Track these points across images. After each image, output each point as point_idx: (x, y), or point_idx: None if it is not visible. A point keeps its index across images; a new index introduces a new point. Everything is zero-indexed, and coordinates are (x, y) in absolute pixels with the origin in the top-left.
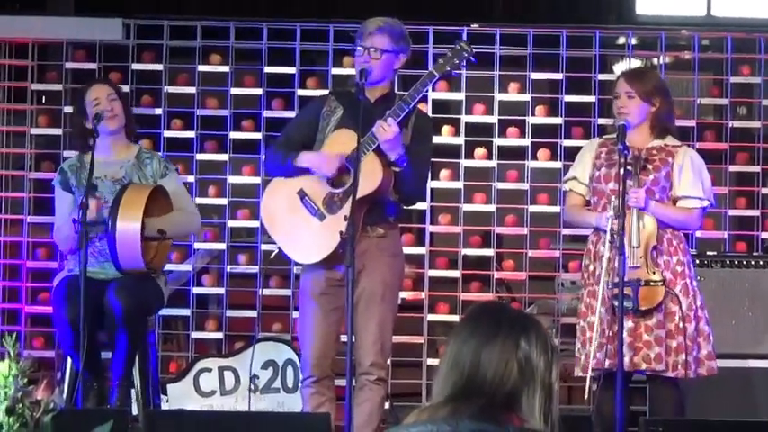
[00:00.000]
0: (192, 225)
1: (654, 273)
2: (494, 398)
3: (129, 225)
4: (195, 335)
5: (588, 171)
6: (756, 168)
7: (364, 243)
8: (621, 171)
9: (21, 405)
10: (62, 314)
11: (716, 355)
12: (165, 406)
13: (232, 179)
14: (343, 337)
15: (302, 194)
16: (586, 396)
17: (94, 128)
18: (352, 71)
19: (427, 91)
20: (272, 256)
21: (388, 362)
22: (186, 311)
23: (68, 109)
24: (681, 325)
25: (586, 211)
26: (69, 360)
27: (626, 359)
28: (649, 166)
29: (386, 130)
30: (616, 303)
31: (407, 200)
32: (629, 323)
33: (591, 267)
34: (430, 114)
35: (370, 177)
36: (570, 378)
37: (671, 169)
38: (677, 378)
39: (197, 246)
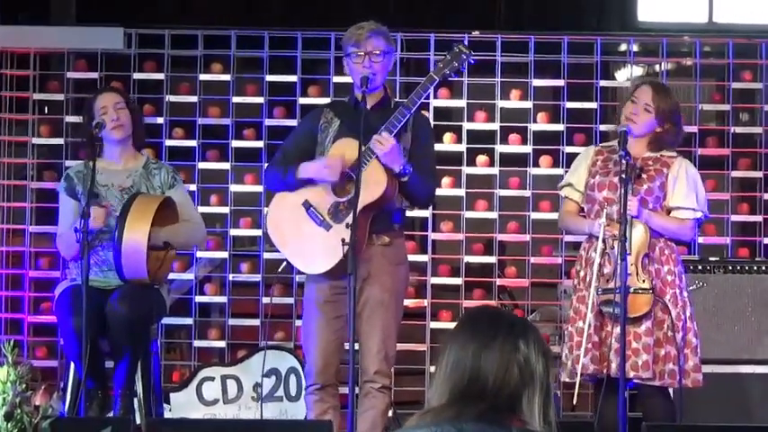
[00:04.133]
0: (197, 236)
1: (643, 281)
2: (496, 400)
3: (135, 236)
4: (198, 343)
5: (584, 178)
6: (759, 174)
7: (369, 251)
8: (621, 177)
9: (19, 411)
10: (68, 325)
11: (717, 361)
12: (167, 415)
13: (234, 188)
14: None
15: (307, 205)
16: (575, 401)
17: (96, 136)
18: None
19: (428, 95)
20: (279, 270)
21: (392, 369)
22: (189, 320)
23: (70, 118)
24: (669, 334)
25: (580, 218)
26: (72, 369)
27: (614, 365)
28: (644, 176)
29: (382, 144)
30: (603, 309)
31: (422, 203)
32: (617, 330)
33: (582, 273)
34: (432, 122)
35: (375, 185)
36: (570, 384)
37: (665, 179)
38: (665, 387)
39: (199, 254)
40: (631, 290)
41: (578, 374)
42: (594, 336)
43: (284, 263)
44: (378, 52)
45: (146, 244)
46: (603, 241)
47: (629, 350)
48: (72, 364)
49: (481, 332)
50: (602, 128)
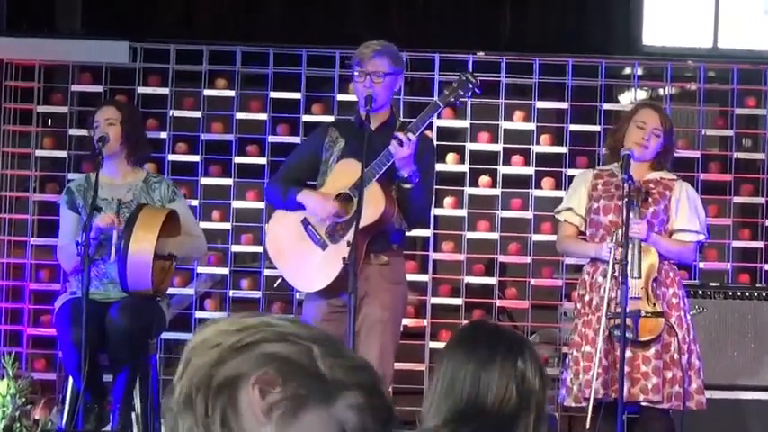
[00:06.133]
0: (199, 250)
1: (654, 305)
2: (493, 421)
3: (142, 247)
4: None
5: (584, 202)
6: (761, 200)
7: (367, 270)
8: (624, 201)
9: (18, 424)
10: (68, 337)
11: (716, 386)
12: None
13: (236, 204)
14: None
15: (306, 223)
16: (588, 425)
17: (98, 149)
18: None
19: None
20: (275, 285)
21: (390, 389)
22: (188, 336)
23: (74, 131)
24: (676, 356)
25: (584, 242)
26: (70, 382)
27: (624, 389)
28: (649, 199)
29: (403, 146)
30: (615, 333)
31: (415, 221)
32: (627, 353)
33: (586, 297)
34: (435, 141)
35: (373, 207)
36: (570, 407)
37: (668, 203)
38: (670, 410)
39: (200, 270)
40: (642, 314)
41: (591, 399)
42: (604, 360)
43: (279, 279)
44: (379, 73)
45: (152, 255)
46: (614, 265)
47: (639, 374)
48: (70, 377)
49: (480, 351)
50: (605, 151)
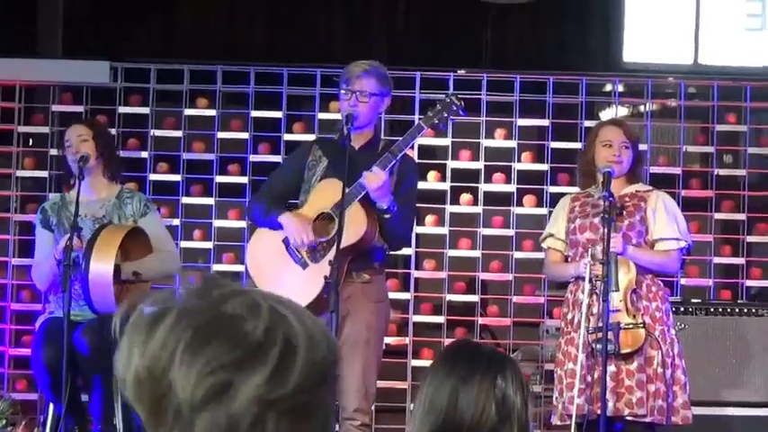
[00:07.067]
0: (170, 266)
1: (634, 316)
2: None
3: (101, 266)
4: None
5: (563, 226)
6: (742, 216)
7: (349, 288)
8: (604, 216)
9: None
10: (39, 358)
11: (699, 402)
12: None
13: (218, 223)
14: None
15: (287, 242)
16: None
17: (79, 169)
18: (338, 116)
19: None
20: None
21: (372, 407)
22: None
23: (55, 151)
24: (659, 370)
25: (564, 264)
26: (51, 404)
27: (609, 404)
28: (624, 212)
29: (374, 179)
30: (597, 347)
31: (396, 245)
32: (611, 367)
33: (569, 316)
34: (416, 159)
35: (355, 227)
36: (552, 426)
37: (645, 213)
38: (653, 424)
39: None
40: (622, 325)
41: (573, 416)
42: (588, 376)
43: None
44: (365, 93)
45: (111, 274)
46: (590, 281)
47: (623, 388)
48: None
49: (459, 369)
50: (579, 177)
